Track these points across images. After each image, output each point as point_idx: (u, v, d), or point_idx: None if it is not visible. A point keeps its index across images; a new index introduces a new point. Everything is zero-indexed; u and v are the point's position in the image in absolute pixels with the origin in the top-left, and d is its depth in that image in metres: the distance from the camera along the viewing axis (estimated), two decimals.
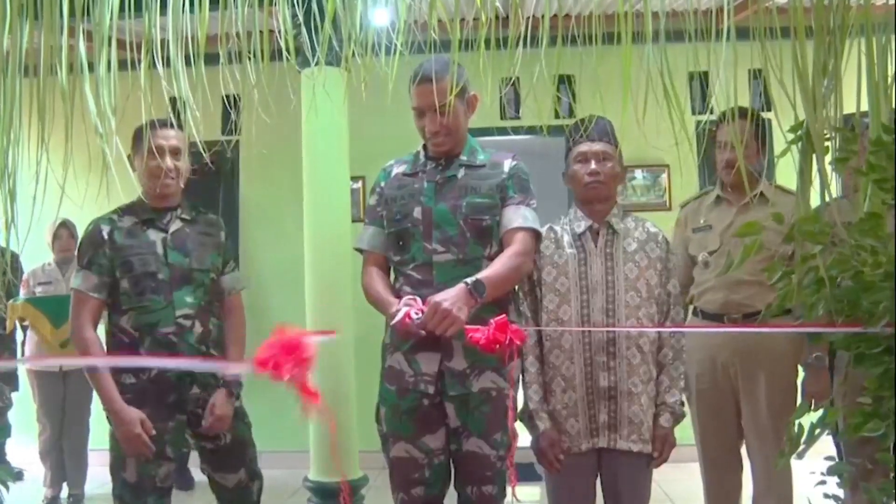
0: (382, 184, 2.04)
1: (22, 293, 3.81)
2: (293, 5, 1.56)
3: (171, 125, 2.16)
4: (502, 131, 3.20)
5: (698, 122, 1.74)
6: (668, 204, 4.58)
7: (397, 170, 2.04)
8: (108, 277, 2.10)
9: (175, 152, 2.16)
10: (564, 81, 3.99)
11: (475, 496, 1.88)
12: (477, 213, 1.91)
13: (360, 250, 2.05)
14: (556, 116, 4.15)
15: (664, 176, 4.65)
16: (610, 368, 1.95)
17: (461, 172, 1.96)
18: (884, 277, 1.27)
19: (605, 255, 1.99)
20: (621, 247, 2.00)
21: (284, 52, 1.54)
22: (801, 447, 1.42)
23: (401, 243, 1.95)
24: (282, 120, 1.88)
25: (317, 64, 1.74)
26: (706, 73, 1.40)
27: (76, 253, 2.34)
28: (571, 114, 4.21)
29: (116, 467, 2.08)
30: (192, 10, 1.58)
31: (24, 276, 3.84)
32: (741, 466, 2.47)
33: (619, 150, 2.04)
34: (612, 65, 1.36)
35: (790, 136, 1.46)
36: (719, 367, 2.42)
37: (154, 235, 2.14)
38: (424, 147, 2.05)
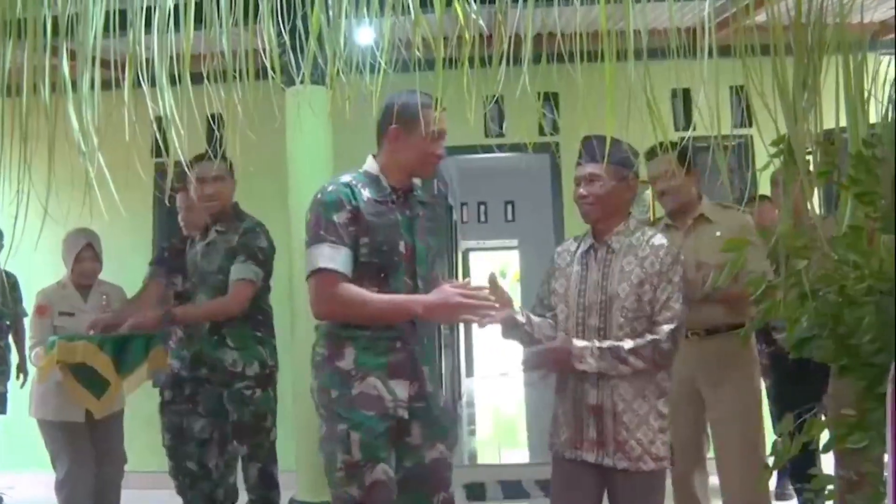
0: (353, 202, 1.87)
1: (36, 320, 3.12)
2: (278, 24, 1.57)
3: (211, 158, 2.60)
4: (486, 149, 3.22)
5: (681, 139, 1.77)
6: (650, 219, 4.60)
7: (365, 193, 1.90)
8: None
9: (215, 180, 2.79)
10: (549, 99, 4.02)
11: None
12: (439, 256, 2.02)
13: (325, 270, 1.82)
14: (541, 133, 4.18)
15: (647, 192, 4.68)
16: (599, 386, 1.96)
17: (421, 210, 1.99)
18: (866, 292, 1.29)
19: (602, 275, 2.00)
20: (619, 265, 1.98)
21: (269, 71, 1.55)
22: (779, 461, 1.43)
23: (382, 275, 1.88)
24: (268, 138, 1.88)
25: (301, 82, 1.75)
26: (688, 90, 1.42)
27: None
28: (555, 131, 4.23)
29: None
30: (177, 30, 1.58)
31: (39, 301, 3.13)
32: (706, 476, 2.60)
33: (630, 163, 2.02)
34: (596, 81, 1.37)
35: (773, 150, 1.48)
36: (684, 379, 2.51)
37: (198, 247, 2.88)
38: (378, 172, 1.97)
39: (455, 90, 1.38)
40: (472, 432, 6.77)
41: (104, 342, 2.78)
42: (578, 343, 1.93)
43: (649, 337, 1.91)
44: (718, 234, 2.50)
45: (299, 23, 1.57)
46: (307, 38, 1.52)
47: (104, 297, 3.18)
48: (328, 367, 1.89)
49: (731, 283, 2.10)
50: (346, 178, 1.92)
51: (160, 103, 1.56)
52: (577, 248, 2.09)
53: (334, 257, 1.83)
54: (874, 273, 1.30)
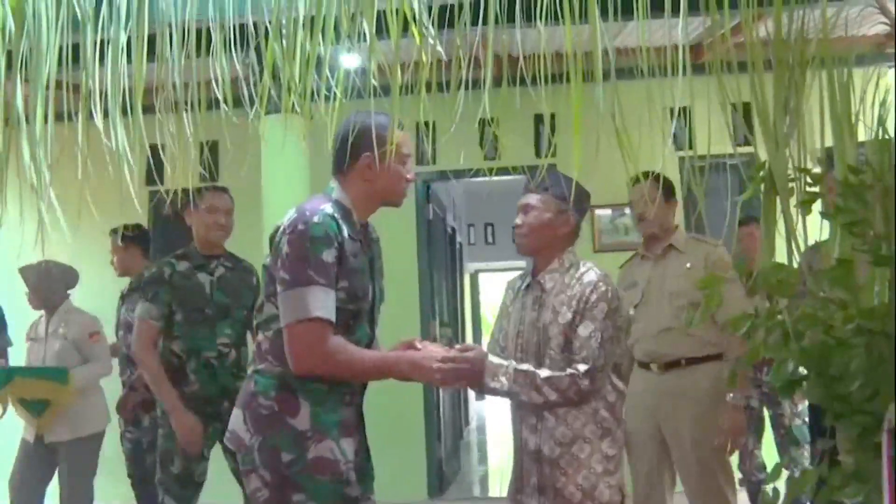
0: (339, 239, 1.65)
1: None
2: (254, 53, 1.51)
3: (226, 191, 2.80)
4: (480, 172, 3.15)
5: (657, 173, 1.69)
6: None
7: (344, 228, 1.68)
8: (166, 309, 2.68)
9: (228, 213, 2.76)
10: (542, 121, 3.95)
11: None
12: (382, 299, 1.84)
13: (318, 320, 1.59)
14: (538, 155, 4.11)
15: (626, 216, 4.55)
16: (538, 430, 1.85)
17: (374, 250, 1.82)
18: (855, 333, 1.18)
19: (536, 315, 1.90)
20: (551, 304, 1.88)
21: (248, 100, 1.49)
22: None
23: (351, 323, 1.70)
24: (250, 164, 1.82)
25: (268, 113, 1.69)
26: (682, 109, 1.36)
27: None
28: (550, 153, 4.15)
29: (166, 461, 2.63)
30: (128, 61, 1.53)
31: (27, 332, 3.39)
32: None
33: (566, 198, 1.89)
34: (591, 102, 1.30)
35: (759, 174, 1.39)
36: (647, 410, 2.55)
37: (203, 278, 2.74)
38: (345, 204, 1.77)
39: (452, 114, 1.33)
40: (483, 460, 6.60)
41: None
42: (494, 360, 1.81)
43: (568, 371, 1.79)
44: (688, 265, 2.56)
45: (260, 54, 1.52)
46: (261, 71, 1.46)
47: (62, 324, 3.25)
48: (278, 425, 1.63)
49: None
50: (326, 207, 1.67)
51: (161, 133, 1.53)
52: (520, 283, 2.01)
53: (327, 304, 1.60)
54: (864, 312, 1.19)
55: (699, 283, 1.41)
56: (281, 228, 1.68)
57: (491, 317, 13.01)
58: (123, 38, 1.50)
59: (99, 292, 3.81)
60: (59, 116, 1.59)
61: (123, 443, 3.35)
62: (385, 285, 1.89)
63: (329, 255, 1.61)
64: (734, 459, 3.54)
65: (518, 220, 1.95)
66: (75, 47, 1.59)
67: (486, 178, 3.33)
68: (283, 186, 3.11)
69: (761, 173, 1.37)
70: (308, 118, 1.47)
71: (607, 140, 1.32)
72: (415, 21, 1.42)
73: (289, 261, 1.62)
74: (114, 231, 3.24)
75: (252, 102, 1.48)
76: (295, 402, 1.63)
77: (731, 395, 2.46)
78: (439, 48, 1.45)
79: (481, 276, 10.66)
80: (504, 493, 1.97)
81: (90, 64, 1.51)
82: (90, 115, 1.52)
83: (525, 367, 1.81)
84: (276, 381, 1.65)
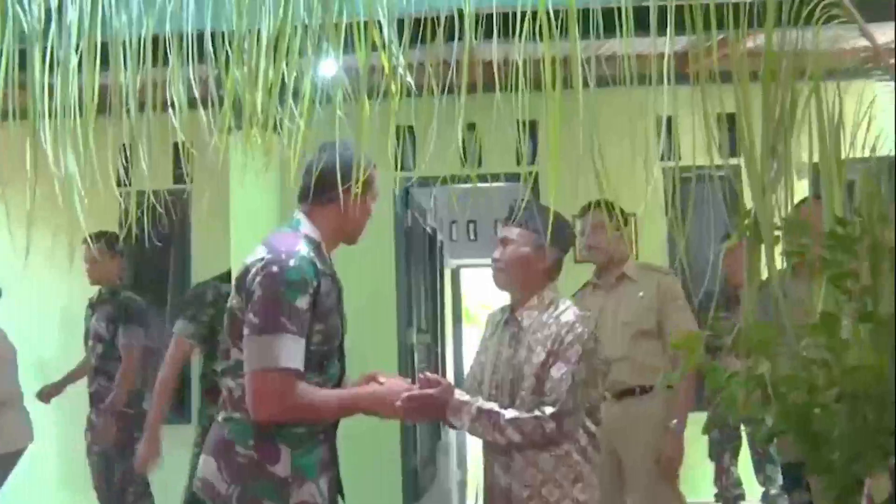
0: (314, 283, 1.58)
1: None
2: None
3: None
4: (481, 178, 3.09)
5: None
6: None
7: (318, 266, 1.62)
8: (206, 330, 2.81)
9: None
10: (527, 127, 3.87)
11: None
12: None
13: (286, 371, 1.53)
14: (519, 163, 4.02)
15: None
16: (509, 468, 1.78)
17: (339, 281, 1.77)
18: (837, 398, 1.12)
19: (512, 353, 1.84)
20: (527, 343, 1.81)
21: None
22: None
23: (324, 363, 1.65)
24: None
25: (231, 130, 1.60)
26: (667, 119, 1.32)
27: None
28: (535, 160, 4.08)
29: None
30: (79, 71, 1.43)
31: None
32: None
33: (545, 227, 1.81)
34: (573, 108, 1.26)
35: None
36: (603, 438, 2.51)
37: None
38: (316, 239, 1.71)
39: (431, 120, 1.29)
40: (462, 462, 6.46)
41: None
42: (459, 397, 1.74)
43: (535, 412, 1.71)
44: (641, 294, 2.59)
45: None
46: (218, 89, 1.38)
47: None
48: (259, 474, 1.58)
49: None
50: (300, 247, 1.60)
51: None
52: (500, 318, 1.94)
53: (296, 355, 1.54)
54: (847, 373, 1.13)
55: (673, 343, 1.35)
56: (252, 270, 1.58)
57: (474, 310, 12.99)
58: (74, 60, 1.40)
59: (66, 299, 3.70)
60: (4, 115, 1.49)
61: (90, 455, 3.32)
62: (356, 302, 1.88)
63: (303, 302, 1.55)
64: (709, 477, 3.53)
65: (496, 254, 1.88)
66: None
67: (469, 185, 3.25)
68: (252, 200, 3.02)
69: (746, 221, 1.31)
70: (269, 150, 1.38)
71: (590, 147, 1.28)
72: (384, 48, 1.35)
73: (260, 305, 1.54)
74: (87, 239, 3.10)
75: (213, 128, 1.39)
76: (275, 449, 1.58)
77: (673, 422, 2.54)
78: (409, 79, 1.37)
79: (463, 272, 10.61)
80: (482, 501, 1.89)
81: (37, 85, 1.41)
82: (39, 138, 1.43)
83: (489, 405, 1.74)
84: (253, 428, 1.58)
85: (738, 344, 1.24)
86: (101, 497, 3.30)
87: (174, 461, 3.97)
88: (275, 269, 1.55)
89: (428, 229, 5.68)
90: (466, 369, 8.15)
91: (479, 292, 12.46)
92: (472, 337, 10.70)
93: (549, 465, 1.74)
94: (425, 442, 4.88)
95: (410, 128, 1.39)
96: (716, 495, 3.65)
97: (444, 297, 8.33)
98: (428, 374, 1.77)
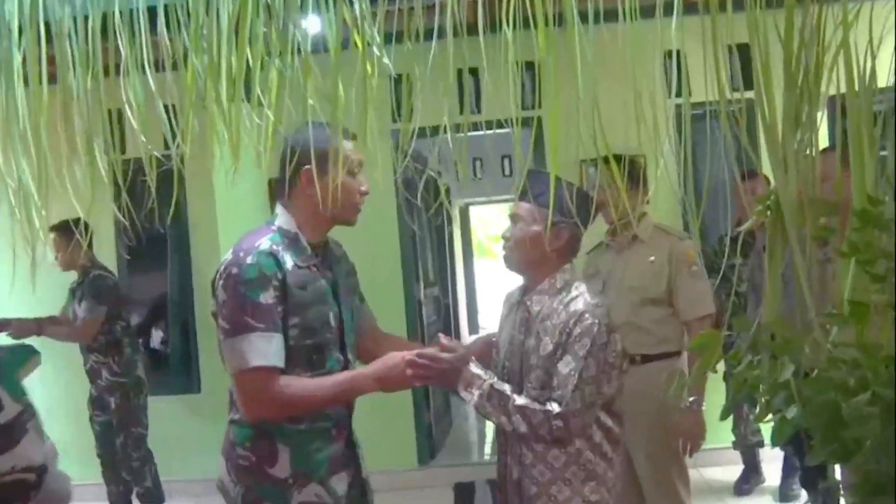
0: (278, 276, 1.54)
1: None
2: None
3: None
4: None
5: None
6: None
7: (288, 259, 1.57)
8: None
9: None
10: (531, 68, 3.67)
11: None
12: (363, 320, 1.77)
13: (258, 370, 1.51)
14: (523, 107, 3.84)
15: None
16: (521, 462, 1.69)
17: (339, 268, 1.71)
18: (870, 402, 1.02)
19: (522, 339, 1.71)
20: (535, 330, 1.69)
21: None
22: None
23: (315, 357, 1.60)
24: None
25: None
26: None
27: None
28: (536, 104, 3.88)
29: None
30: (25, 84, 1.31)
31: None
32: None
33: (564, 209, 1.61)
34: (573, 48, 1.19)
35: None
36: None
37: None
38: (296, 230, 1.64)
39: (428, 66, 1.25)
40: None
41: None
42: (474, 369, 1.62)
43: (547, 406, 1.61)
44: (652, 259, 2.44)
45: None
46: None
47: None
48: (258, 475, 1.58)
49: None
50: (262, 242, 1.55)
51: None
52: (516, 297, 1.80)
53: (266, 351, 1.51)
54: (880, 376, 1.03)
55: (690, 345, 1.24)
56: (217, 274, 1.55)
57: (486, 243, 12.81)
58: (18, 58, 1.27)
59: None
60: None
61: (93, 425, 3.65)
62: (365, 299, 1.81)
63: (267, 297, 1.52)
64: (728, 424, 3.49)
65: (505, 233, 1.74)
66: None
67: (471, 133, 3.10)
68: (238, 203, 2.90)
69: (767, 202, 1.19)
70: (236, 158, 1.26)
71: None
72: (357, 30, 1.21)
73: (226, 308, 1.54)
74: (53, 227, 3.15)
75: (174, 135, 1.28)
76: (273, 451, 1.58)
77: (693, 399, 2.33)
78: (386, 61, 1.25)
79: (472, 210, 10.48)
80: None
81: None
82: None
83: (503, 386, 1.63)
84: (251, 430, 1.59)
85: (756, 344, 1.14)
86: (104, 463, 3.62)
87: (180, 429, 4.04)
88: (234, 270, 1.53)
89: (430, 176, 5.53)
90: (480, 310, 7.98)
91: (489, 226, 12.40)
92: (486, 270, 10.67)
93: (560, 463, 1.65)
94: (440, 392, 4.86)
95: (400, 76, 1.27)
96: (733, 443, 3.64)
97: (454, 245, 8.25)
98: (443, 337, 1.67)
